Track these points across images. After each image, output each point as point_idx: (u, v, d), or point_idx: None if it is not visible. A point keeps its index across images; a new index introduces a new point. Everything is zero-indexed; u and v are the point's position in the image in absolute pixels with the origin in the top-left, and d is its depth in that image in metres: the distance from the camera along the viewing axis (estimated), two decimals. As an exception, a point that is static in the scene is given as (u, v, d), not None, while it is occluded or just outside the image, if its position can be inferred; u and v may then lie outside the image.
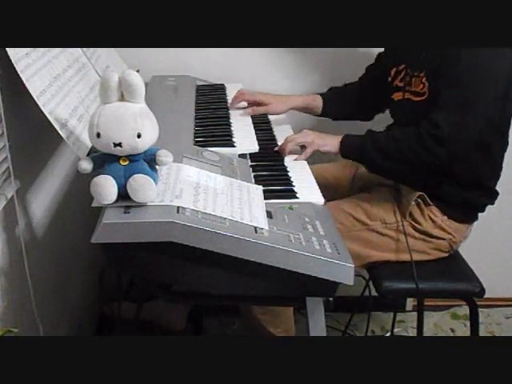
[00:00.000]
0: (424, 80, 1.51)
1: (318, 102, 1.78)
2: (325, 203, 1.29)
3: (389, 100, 1.65)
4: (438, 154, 1.43)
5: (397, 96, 1.62)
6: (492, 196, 1.62)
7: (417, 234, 1.57)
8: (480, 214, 1.65)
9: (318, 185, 1.36)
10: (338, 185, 1.75)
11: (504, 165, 1.60)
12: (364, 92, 1.78)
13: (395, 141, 1.48)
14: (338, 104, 1.80)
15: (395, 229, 1.56)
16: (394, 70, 1.64)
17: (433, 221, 1.57)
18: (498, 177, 1.61)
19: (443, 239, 1.59)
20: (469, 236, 1.65)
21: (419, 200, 1.55)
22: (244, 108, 1.73)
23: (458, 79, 1.42)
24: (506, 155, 1.59)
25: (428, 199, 1.55)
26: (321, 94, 1.79)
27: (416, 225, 1.57)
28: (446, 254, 1.62)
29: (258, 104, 1.73)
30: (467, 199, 1.58)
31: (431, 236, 1.57)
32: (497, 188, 1.62)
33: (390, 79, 1.65)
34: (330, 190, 1.35)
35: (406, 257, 1.53)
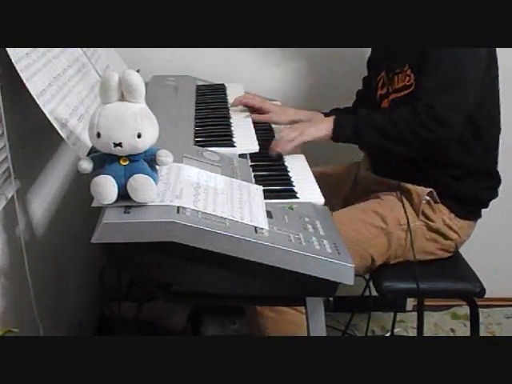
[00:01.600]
0: (409, 72, 1.51)
1: None
2: (326, 205, 1.28)
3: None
4: (436, 132, 1.43)
5: (385, 103, 1.61)
6: (494, 186, 1.62)
7: (428, 234, 1.57)
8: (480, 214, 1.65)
9: (319, 188, 1.34)
10: (339, 188, 1.74)
11: (503, 166, 1.60)
12: None
13: (391, 120, 1.47)
14: None
15: (407, 230, 1.54)
16: (378, 81, 1.63)
17: (442, 219, 1.57)
18: (495, 161, 1.60)
19: (451, 239, 1.59)
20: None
21: (428, 198, 1.55)
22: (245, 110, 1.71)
23: (442, 62, 1.42)
24: (505, 156, 1.58)
25: (436, 196, 1.55)
26: (324, 114, 1.74)
27: (430, 222, 1.56)
28: (449, 255, 1.62)
29: (262, 112, 1.70)
30: (472, 193, 1.57)
31: (441, 235, 1.57)
32: (498, 189, 1.62)
33: (377, 96, 1.65)
34: (332, 194, 1.34)
35: (417, 257, 1.52)
